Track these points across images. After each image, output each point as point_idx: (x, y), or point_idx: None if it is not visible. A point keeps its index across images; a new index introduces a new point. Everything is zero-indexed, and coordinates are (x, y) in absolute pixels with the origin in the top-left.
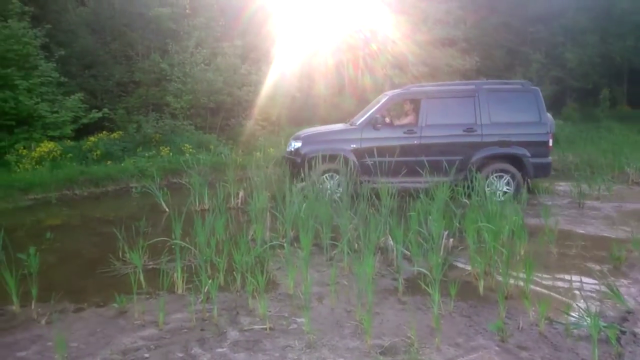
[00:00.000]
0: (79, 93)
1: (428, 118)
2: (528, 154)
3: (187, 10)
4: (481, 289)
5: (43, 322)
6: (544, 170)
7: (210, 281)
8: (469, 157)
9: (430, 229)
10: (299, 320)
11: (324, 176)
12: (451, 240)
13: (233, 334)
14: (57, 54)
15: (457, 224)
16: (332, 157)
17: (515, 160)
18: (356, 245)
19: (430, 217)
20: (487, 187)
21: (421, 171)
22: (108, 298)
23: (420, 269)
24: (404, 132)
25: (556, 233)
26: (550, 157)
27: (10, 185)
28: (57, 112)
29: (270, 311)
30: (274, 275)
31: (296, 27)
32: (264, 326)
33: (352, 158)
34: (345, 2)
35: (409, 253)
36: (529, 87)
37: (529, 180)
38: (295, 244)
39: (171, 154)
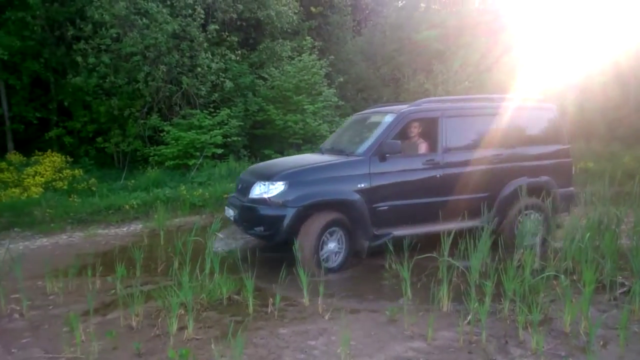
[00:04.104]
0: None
1: (449, 143)
2: (555, 184)
3: (452, 31)
4: None
5: (326, 317)
6: (571, 203)
7: (476, 304)
8: (497, 191)
9: None
10: None
11: (325, 234)
12: None
13: None
14: (337, 81)
15: None
16: (331, 204)
17: (543, 193)
18: None
19: None
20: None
21: (444, 213)
22: (379, 304)
23: None
24: (423, 163)
25: None
26: (573, 187)
27: None
28: (334, 131)
29: (543, 346)
30: (546, 308)
31: (569, 31)
32: None
33: (361, 203)
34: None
35: None
36: (548, 104)
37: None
38: (574, 277)
39: None
